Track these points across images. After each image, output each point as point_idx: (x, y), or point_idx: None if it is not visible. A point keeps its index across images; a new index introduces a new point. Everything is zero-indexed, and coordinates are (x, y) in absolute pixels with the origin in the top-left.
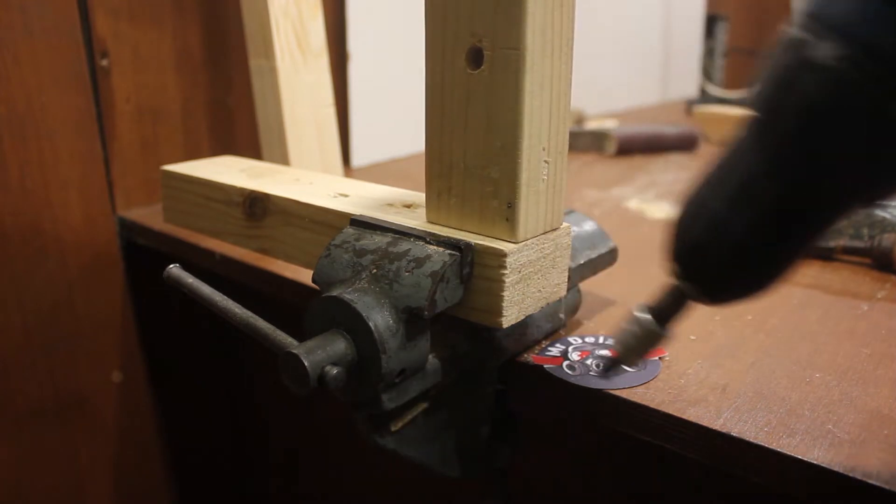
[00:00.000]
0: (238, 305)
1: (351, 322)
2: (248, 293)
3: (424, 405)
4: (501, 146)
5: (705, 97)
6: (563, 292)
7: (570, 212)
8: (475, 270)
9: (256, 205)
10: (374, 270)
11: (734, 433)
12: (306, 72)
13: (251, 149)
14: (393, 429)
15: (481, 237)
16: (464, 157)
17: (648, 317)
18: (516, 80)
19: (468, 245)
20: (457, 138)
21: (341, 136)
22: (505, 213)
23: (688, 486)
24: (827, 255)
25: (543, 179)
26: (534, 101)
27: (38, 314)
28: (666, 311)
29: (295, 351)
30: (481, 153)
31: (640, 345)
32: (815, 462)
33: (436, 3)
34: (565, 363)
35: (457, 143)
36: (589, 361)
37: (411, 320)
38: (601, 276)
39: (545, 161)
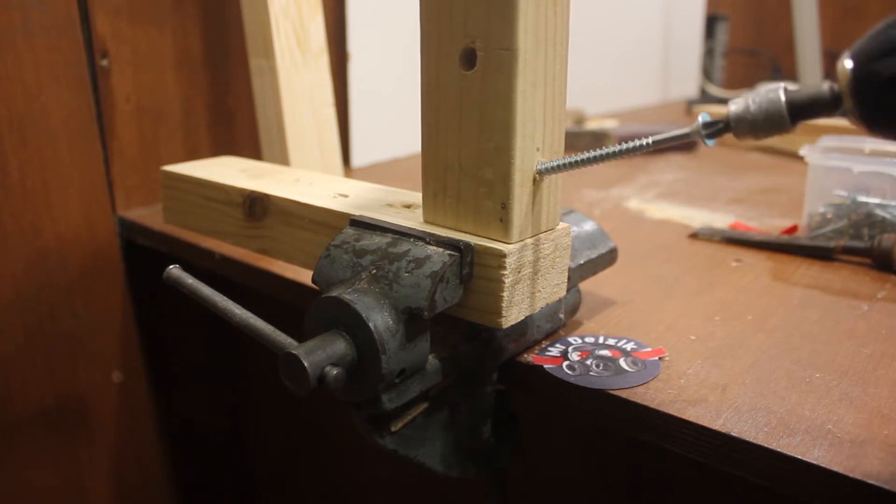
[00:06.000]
0: (238, 306)
1: (351, 322)
2: (248, 293)
3: (424, 405)
4: (495, 147)
5: (705, 97)
6: (563, 292)
7: (569, 212)
8: (475, 271)
9: (256, 205)
10: (374, 271)
11: (734, 433)
12: (306, 72)
13: (251, 149)
14: (393, 429)
15: (478, 237)
16: (458, 158)
17: (783, 98)
18: (509, 80)
19: (468, 245)
20: (451, 139)
21: (341, 136)
22: (499, 213)
23: (687, 486)
24: (827, 255)
25: (537, 179)
26: (526, 102)
27: (38, 314)
28: (804, 109)
29: (295, 351)
30: (475, 154)
31: (756, 120)
32: (815, 462)
33: (430, 4)
34: (565, 363)
35: (451, 143)
36: (589, 361)
37: (411, 320)
38: (601, 276)
39: (540, 161)
